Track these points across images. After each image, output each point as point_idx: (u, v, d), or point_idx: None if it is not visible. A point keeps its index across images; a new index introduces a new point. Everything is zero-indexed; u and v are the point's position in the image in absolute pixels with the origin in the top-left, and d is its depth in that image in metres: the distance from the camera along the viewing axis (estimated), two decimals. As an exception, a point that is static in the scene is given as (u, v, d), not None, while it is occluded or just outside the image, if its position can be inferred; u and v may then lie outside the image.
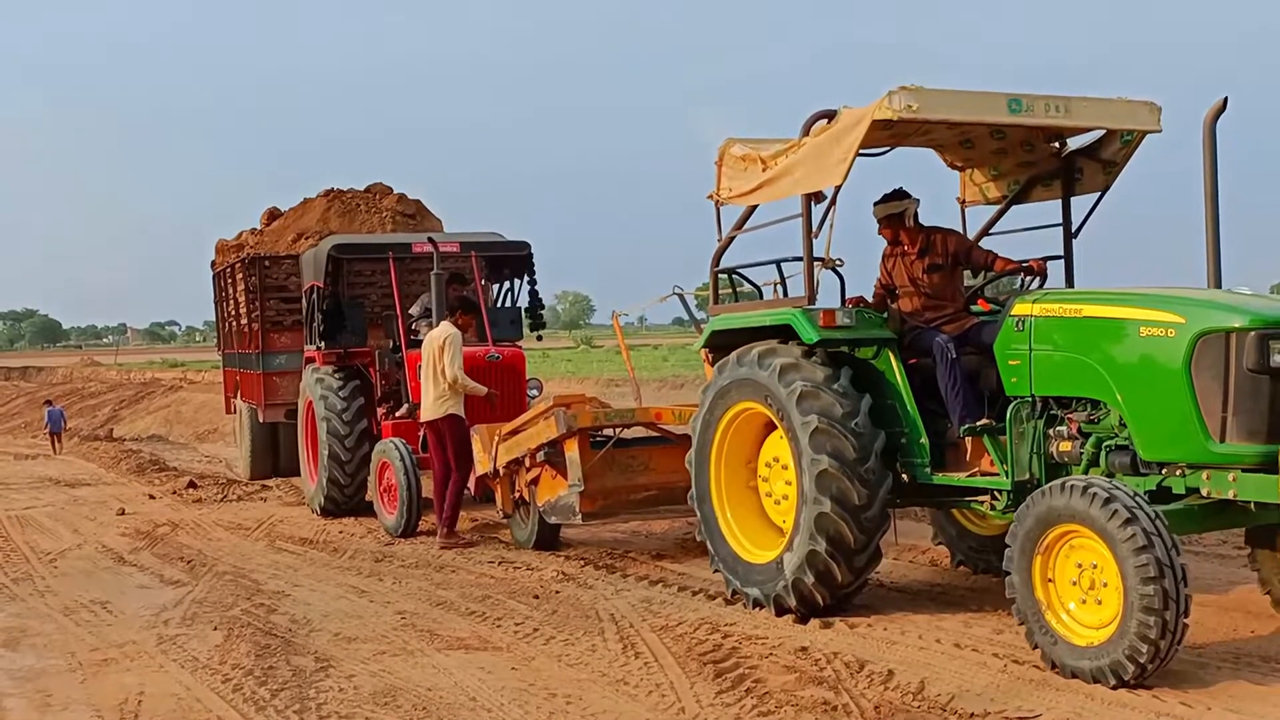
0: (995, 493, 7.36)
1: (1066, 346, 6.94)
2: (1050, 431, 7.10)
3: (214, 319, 20.11)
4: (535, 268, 14.17)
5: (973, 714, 5.79)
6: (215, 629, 8.17)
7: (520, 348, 13.33)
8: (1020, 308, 7.25)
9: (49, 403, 28.96)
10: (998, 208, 8.99)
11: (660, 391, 28.49)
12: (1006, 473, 7.17)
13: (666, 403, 19.67)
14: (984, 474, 7.40)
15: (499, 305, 14.30)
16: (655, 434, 10.32)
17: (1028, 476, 7.10)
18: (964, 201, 9.20)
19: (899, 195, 8.25)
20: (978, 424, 7.27)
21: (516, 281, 14.29)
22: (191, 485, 16.12)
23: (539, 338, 14.90)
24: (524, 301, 14.41)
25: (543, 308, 14.56)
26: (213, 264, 19.03)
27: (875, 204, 8.30)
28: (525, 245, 13.95)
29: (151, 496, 15.75)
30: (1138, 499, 6.00)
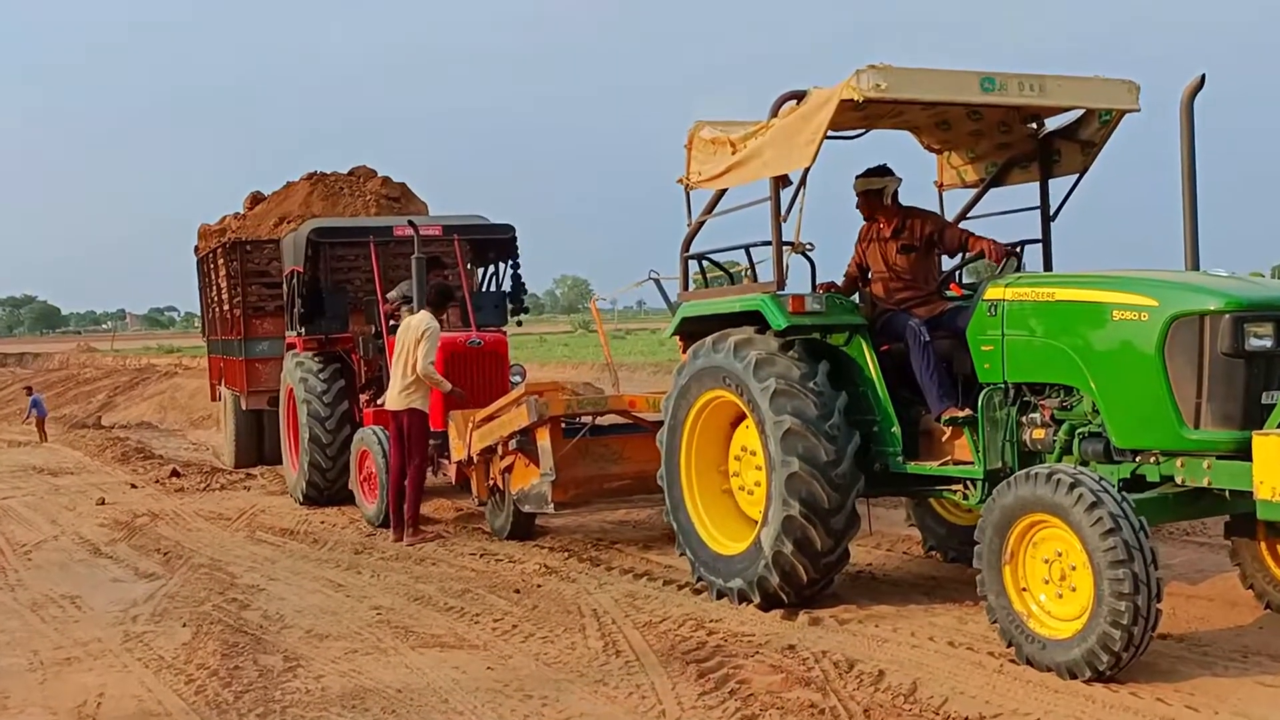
0: (969, 482, 7.23)
1: (1039, 331, 6.81)
2: (1023, 419, 6.97)
3: (198, 306, 19.96)
4: (519, 251, 14.00)
5: (967, 718, 5.60)
6: (184, 626, 8.05)
7: (504, 333, 13.18)
8: (992, 292, 7.11)
9: (29, 390, 28.87)
10: (975, 191, 8.84)
11: (655, 377, 28.35)
12: (979, 461, 7.04)
13: (656, 389, 19.60)
14: (957, 463, 7.28)
15: (483, 290, 14.13)
16: (629, 422, 10.17)
17: (1000, 465, 6.98)
18: (941, 185, 9.05)
19: (881, 171, 8.11)
20: (960, 415, 7.13)
21: (501, 265, 14.12)
22: (174, 474, 16.01)
23: (519, 323, 14.76)
24: (508, 286, 14.26)
25: (525, 292, 14.40)
26: (196, 249, 18.88)
27: (857, 177, 8.16)
28: (510, 228, 13.79)
29: (133, 485, 15.63)
30: (1104, 483, 5.88)
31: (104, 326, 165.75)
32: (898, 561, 9.07)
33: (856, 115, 7.87)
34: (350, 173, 17.49)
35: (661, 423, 9.90)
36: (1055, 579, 6.05)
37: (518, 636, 7.45)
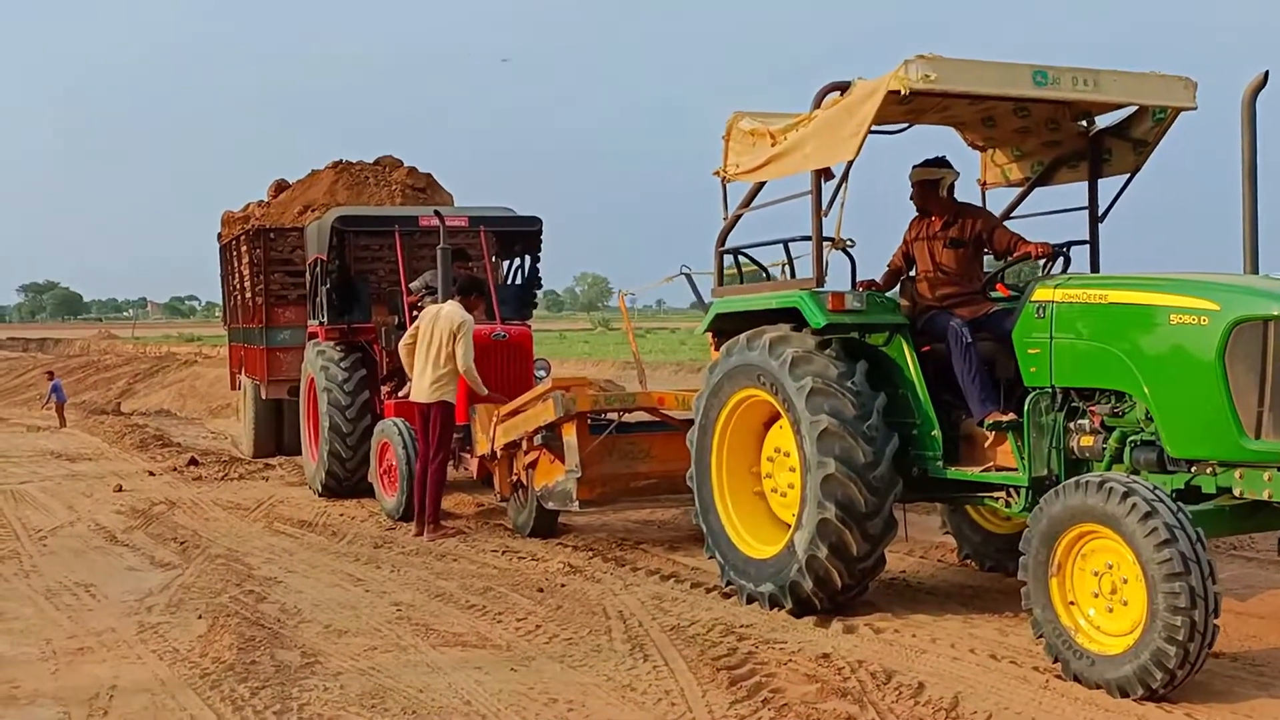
0: (1011, 489, 6.99)
1: (1090, 335, 6.56)
2: (1071, 425, 6.71)
3: (221, 293, 19.83)
4: (541, 245, 13.80)
5: (1013, 735, 5.34)
6: (200, 617, 7.85)
7: (528, 326, 12.98)
8: (1041, 293, 6.87)
9: (50, 375, 28.84)
10: (1020, 190, 8.60)
11: (677, 375, 28.15)
12: (1024, 468, 6.79)
13: (683, 387, 19.38)
14: (1000, 469, 7.03)
15: (508, 283, 13.92)
16: (657, 419, 9.94)
17: (1046, 472, 6.73)
18: (985, 184, 8.81)
19: (940, 163, 7.88)
20: (1004, 419, 6.88)
21: (527, 259, 13.90)
22: (193, 462, 15.85)
23: (527, 317, 14.56)
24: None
25: (539, 287, 14.20)
26: (219, 236, 18.74)
27: (914, 167, 7.93)
28: (536, 221, 13.59)
29: (151, 473, 15.48)
30: (1158, 492, 5.63)
31: (125, 314, 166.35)
32: (932, 569, 8.82)
33: (901, 109, 7.66)
34: (376, 162, 17.32)
35: (690, 421, 9.73)
36: (1105, 592, 5.80)
37: (541, 637, 7.24)
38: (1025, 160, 8.52)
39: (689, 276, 9.97)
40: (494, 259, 14.20)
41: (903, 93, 6.72)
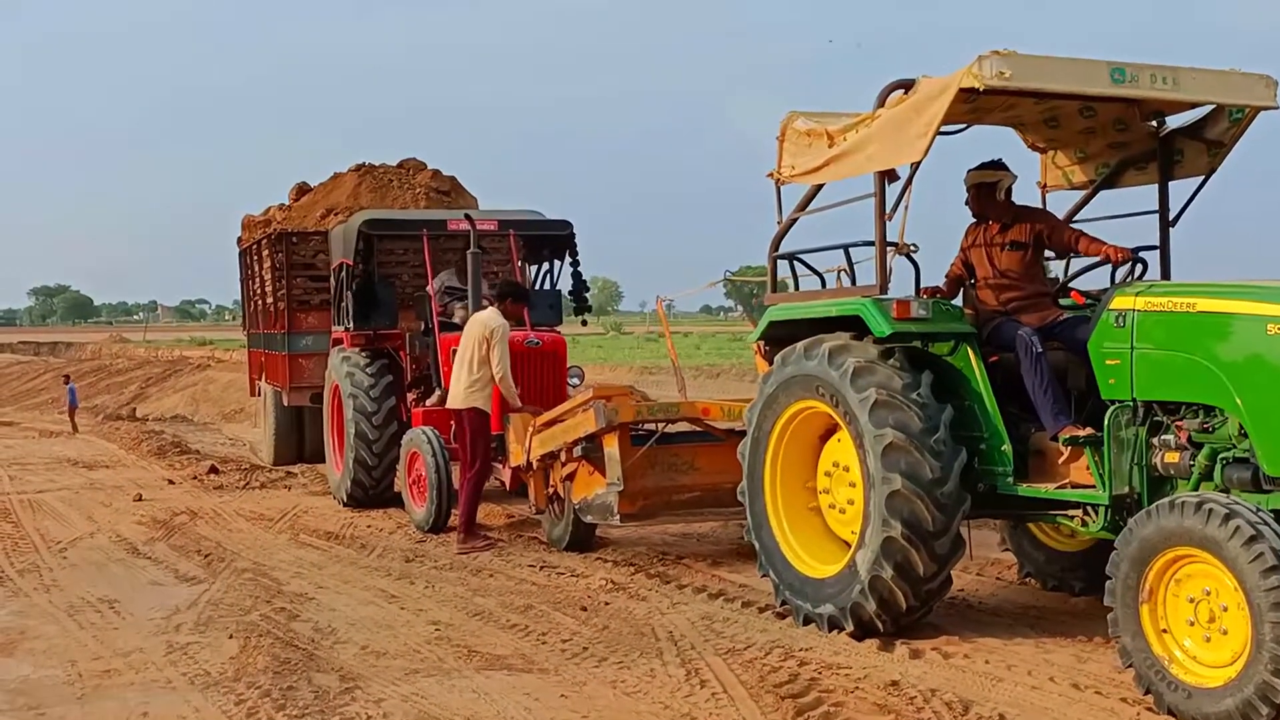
0: (1089, 508, 6.63)
1: (1175, 345, 6.21)
2: (1154, 440, 6.35)
3: (240, 298, 19.52)
4: (578, 248, 13.45)
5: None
6: (231, 637, 7.52)
7: (560, 333, 12.65)
8: (1120, 301, 6.52)
9: (67, 378, 28.62)
10: (1084, 193, 8.25)
11: (696, 381, 27.82)
12: (1104, 486, 6.44)
13: (704, 392, 19.05)
14: (1076, 486, 6.67)
15: (538, 288, 13.58)
16: (700, 430, 9.60)
17: (1127, 490, 6.37)
18: (1045, 186, 8.46)
19: (996, 165, 7.55)
20: (1081, 434, 6.53)
21: (556, 263, 13.56)
22: (213, 470, 15.53)
23: (584, 322, 14.22)
24: (565, 284, 13.72)
25: (588, 290, 13.85)
26: (239, 240, 18.44)
27: (969, 171, 7.59)
28: (567, 224, 13.25)
29: (171, 482, 15.17)
30: (1261, 514, 5.29)
31: (136, 317, 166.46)
32: (992, 587, 8.46)
33: (964, 108, 7.30)
34: (399, 165, 17.01)
35: (733, 431, 9.42)
36: (1202, 620, 5.45)
37: (590, 660, 6.90)
38: (1089, 162, 8.17)
39: (732, 282, 9.65)
40: (521, 264, 13.88)
41: (979, 89, 6.38)
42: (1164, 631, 5.61)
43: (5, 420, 28.76)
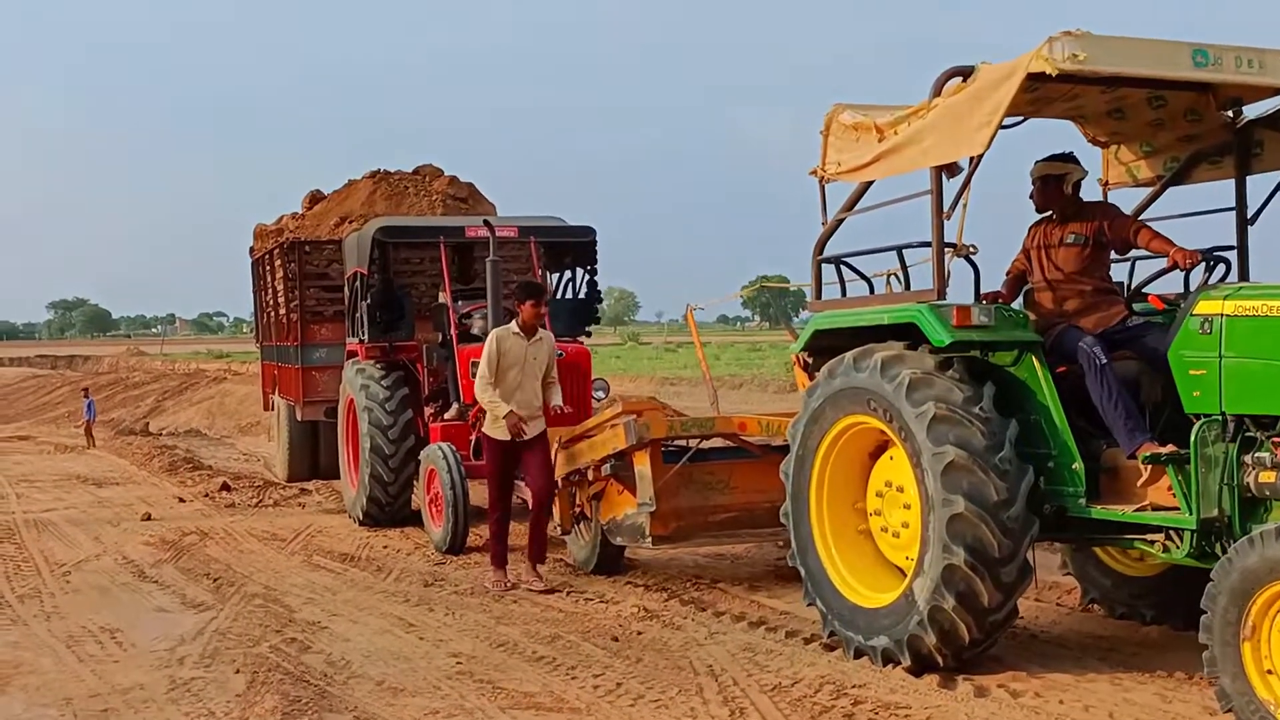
0: (1172, 532, 6.05)
1: (1270, 353, 5.64)
2: (1246, 458, 5.76)
3: (253, 309, 19.03)
4: (597, 257, 12.92)
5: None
6: (238, 672, 6.98)
7: (583, 344, 12.11)
8: (1206, 305, 5.94)
9: (86, 392, 28.22)
10: (1150, 190, 7.70)
11: (719, 392, 27.23)
12: (1190, 508, 5.86)
13: (727, 405, 18.47)
14: (1157, 508, 6.09)
15: (559, 297, 13.03)
16: (735, 446, 9.04)
17: (1216, 513, 5.79)
18: (1107, 184, 7.91)
19: (1066, 158, 6.99)
20: (1163, 452, 5.96)
21: (579, 271, 13.01)
22: (225, 488, 15.02)
23: (588, 333, 13.70)
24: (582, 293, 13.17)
25: (600, 300, 13.30)
26: (251, 250, 17.95)
27: (1036, 162, 7.04)
28: (590, 231, 12.71)
29: (181, 500, 14.65)
30: None
31: (153, 330, 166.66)
32: (1053, 614, 7.88)
33: (1025, 98, 6.72)
34: (415, 171, 16.51)
35: (769, 447, 8.89)
36: (1317, 663, 4.88)
37: (625, 698, 6.35)
38: (1156, 156, 7.62)
39: (769, 290, 9.10)
40: (542, 272, 13.34)
41: (1050, 74, 5.83)
42: (1269, 673, 5.04)
43: (21, 434, 28.37)
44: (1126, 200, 7.75)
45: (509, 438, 8.91)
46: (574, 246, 12.86)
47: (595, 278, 12.86)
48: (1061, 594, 8.22)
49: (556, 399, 9.19)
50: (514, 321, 8.99)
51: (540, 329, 9.12)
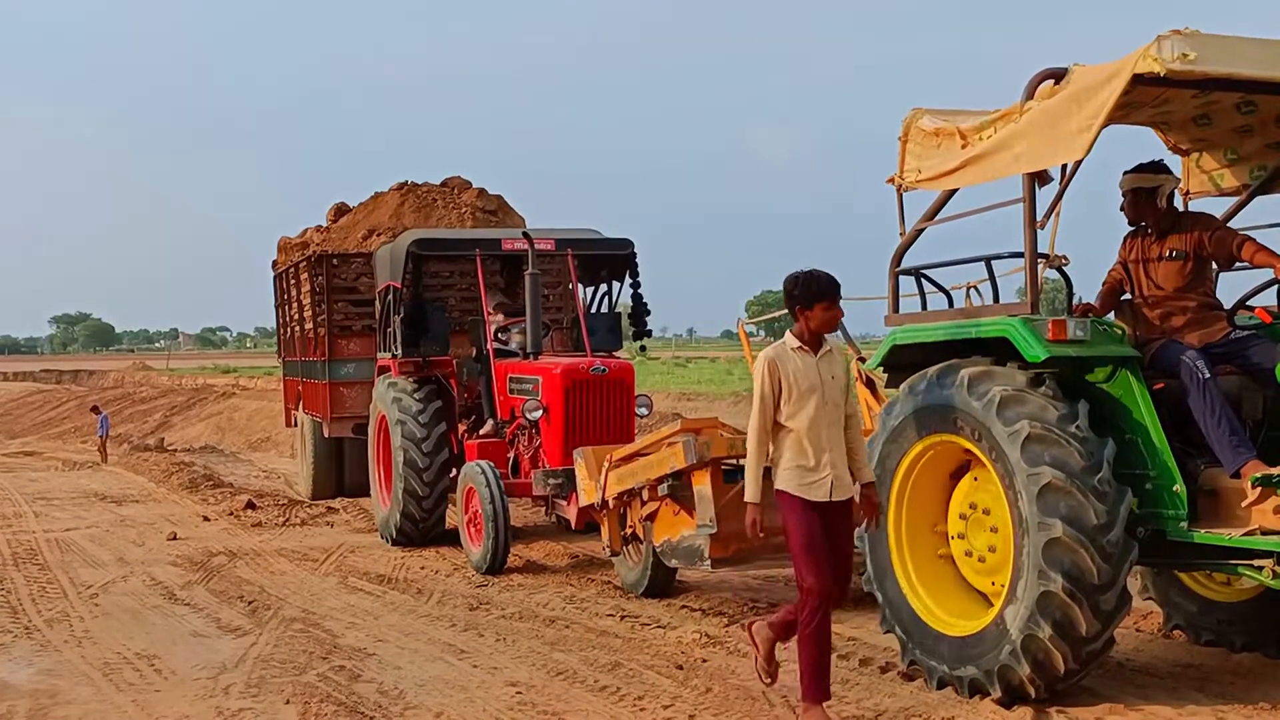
0: (1283, 557, 5.73)
1: (1396, 370, 5.33)
2: (1365, 479, 5.46)
3: (274, 324, 18.72)
4: (639, 269, 12.59)
5: None
6: (288, 702, 6.66)
7: (624, 359, 11.78)
8: (1320, 319, 5.64)
9: (96, 409, 27.89)
10: (1236, 200, 7.39)
11: (736, 408, 26.89)
12: (1305, 533, 5.54)
13: (743, 421, 18.16)
14: (1266, 533, 5.77)
15: (596, 310, 12.71)
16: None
17: (1333, 538, 5.48)
18: (1188, 193, 7.59)
19: (1157, 167, 6.69)
20: (1274, 473, 5.64)
21: (615, 284, 12.67)
22: (250, 506, 14.67)
23: (642, 348, 13.35)
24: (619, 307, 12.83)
25: (648, 313, 12.93)
26: (274, 264, 17.64)
27: (1125, 173, 6.74)
28: (628, 243, 12.38)
29: (206, 518, 14.32)
30: None
31: (158, 345, 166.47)
32: (1135, 641, 7.54)
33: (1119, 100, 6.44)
34: (443, 184, 16.21)
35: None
36: None
37: (701, 732, 6.03)
38: (1242, 165, 7.31)
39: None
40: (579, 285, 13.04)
41: (1160, 74, 5.53)
42: None
43: (28, 450, 28.06)
44: (1209, 211, 7.45)
45: (825, 496, 5.93)
46: (611, 259, 12.54)
47: (639, 290, 12.51)
48: (1139, 619, 7.88)
49: (861, 450, 6.14)
50: (789, 334, 6.11)
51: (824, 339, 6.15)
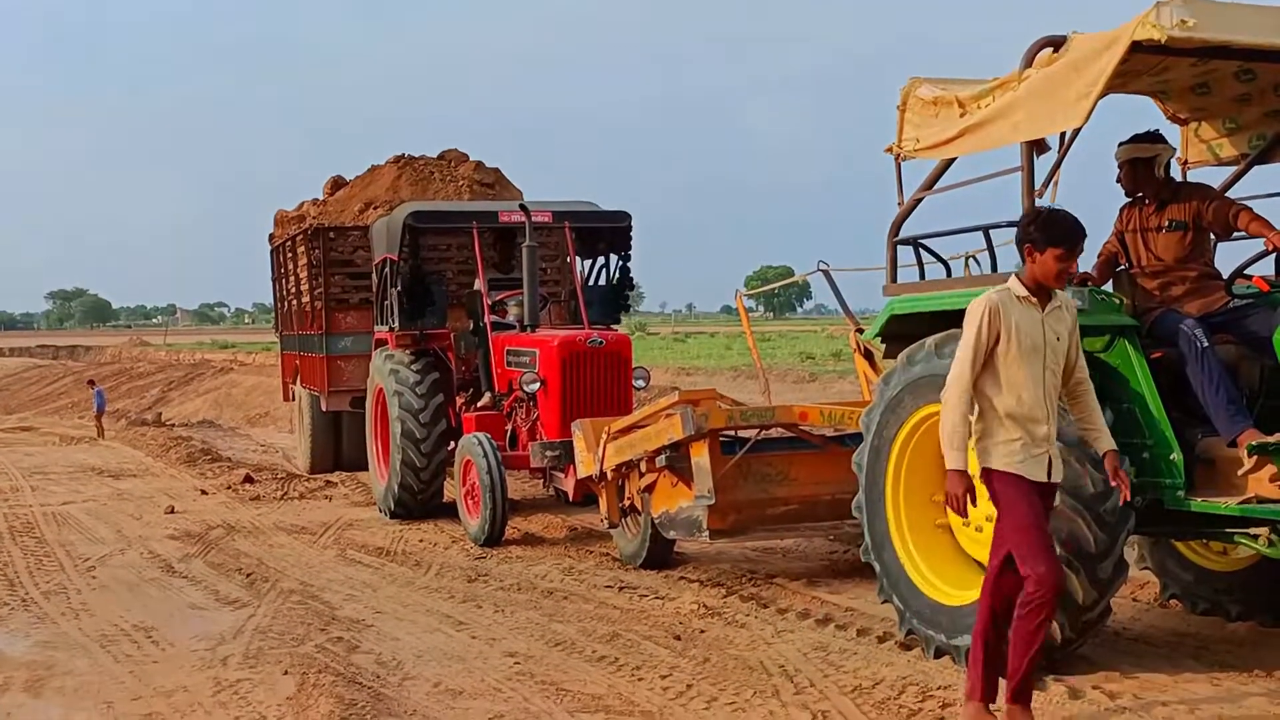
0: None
1: (1394, 338, 5.32)
2: (1364, 447, 5.46)
3: (271, 298, 18.68)
4: (631, 242, 12.56)
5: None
6: (286, 673, 6.65)
7: (621, 331, 11.76)
8: (1319, 288, 5.63)
9: (92, 383, 27.90)
10: (1234, 169, 7.37)
11: (735, 382, 26.95)
12: (1302, 500, 5.54)
13: (746, 395, 18.17)
14: (1264, 501, 5.77)
15: (593, 283, 12.68)
16: (793, 437, 8.70)
17: (1330, 506, 5.48)
18: (1186, 163, 7.58)
19: (1153, 137, 6.67)
20: (1271, 441, 5.64)
21: (612, 257, 12.64)
22: (248, 480, 14.67)
23: (618, 321, 13.36)
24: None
25: (632, 288, 12.93)
26: (271, 237, 17.60)
27: (1120, 144, 6.72)
28: (625, 216, 12.34)
29: (204, 492, 14.32)
30: None
31: (154, 321, 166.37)
32: (1131, 610, 7.55)
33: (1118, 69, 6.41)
34: (440, 157, 16.16)
35: (828, 438, 8.60)
36: None
37: (698, 700, 6.04)
38: (1241, 134, 7.29)
39: (827, 273, 8.79)
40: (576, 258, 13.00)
41: (1159, 41, 5.50)
42: None
43: (25, 425, 28.05)
44: (1207, 181, 7.42)
45: (1043, 476, 5.24)
46: (608, 232, 12.50)
47: (629, 264, 12.50)
48: (1135, 589, 7.88)
49: (1098, 416, 5.46)
50: (1014, 278, 5.30)
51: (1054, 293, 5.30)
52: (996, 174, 6.41)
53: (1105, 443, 5.38)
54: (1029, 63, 6.17)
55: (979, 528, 6.50)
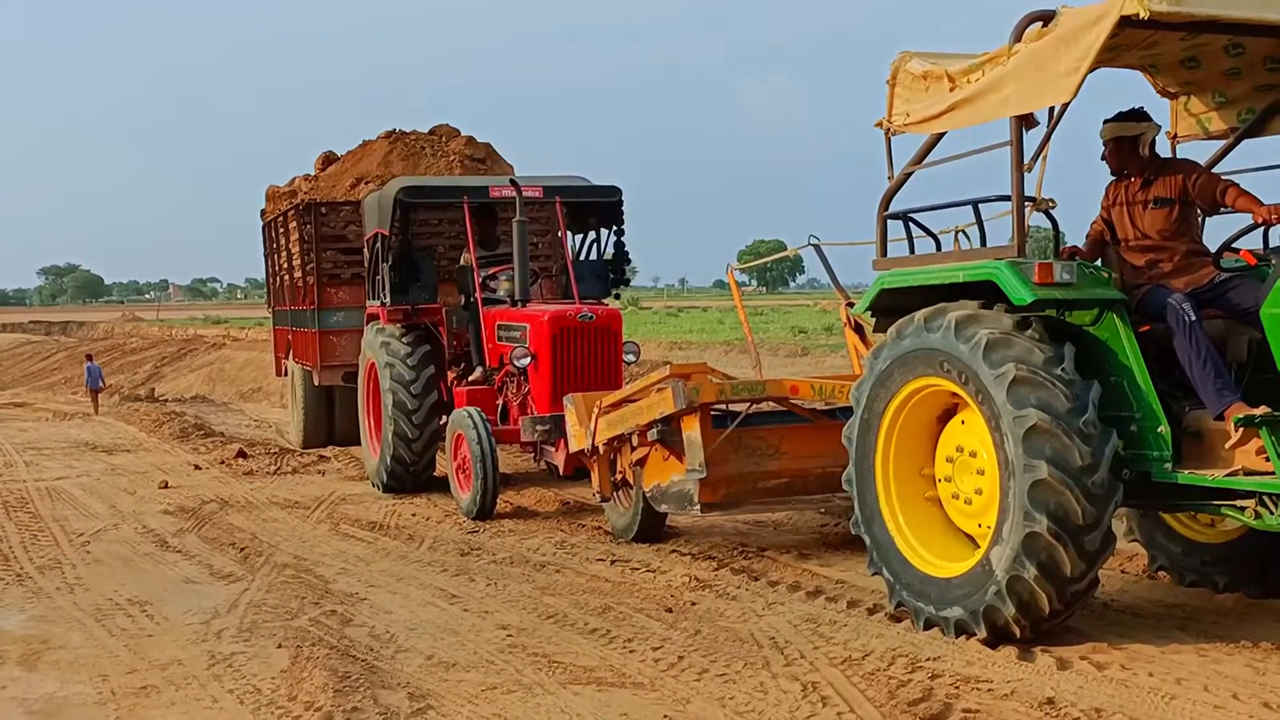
0: (1266, 498, 5.78)
1: (1377, 311, 5.36)
2: (1348, 419, 5.50)
3: (263, 274, 18.67)
4: (623, 217, 12.57)
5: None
6: (280, 646, 6.70)
7: (612, 306, 11.78)
8: (1304, 262, 5.66)
9: (89, 358, 27.85)
10: (1223, 143, 7.39)
11: (727, 356, 26.95)
12: (1286, 472, 5.58)
13: (739, 369, 18.19)
14: (1249, 473, 5.81)
15: (583, 258, 12.69)
16: (784, 411, 8.74)
17: (1314, 477, 5.52)
18: (1176, 137, 7.59)
19: (1138, 115, 6.68)
20: (1257, 414, 5.68)
21: (603, 232, 12.65)
22: (241, 455, 14.70)
23: (616, 295, 13.34)
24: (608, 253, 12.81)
25: (628, 262, 12.94)
26: (263, 213, 17.57)
27: (1106, 122, 6.74)
28: (616, 190, 12.35)
29: (197, 467, 14.33)
30: None
31: (147, 296, 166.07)
32: (1120, 582, 7.61)
33: (1106, 44, 6.43)
34: (431, 132, 16.13)
35: (818, 412, 8.65)
36: None
37: (689, 672, 6.08)
38: (1230, 108, 7.30)
39: (818, 248, 8.81)
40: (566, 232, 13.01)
41: (1143, 16, 5.52)
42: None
43: (18, 401, 28.03)
44: (1196, 155, 7.46)
45: None
46: (599, 207, 12.50)
47: (622, 238, 12.50)
48: (1124, 561, 7.95)
49: None
50: None
51: None
52: (985, 148, 6.43)
53: None
54: (1018, 37, 6.18)
55: (968, 500, 6.56)
